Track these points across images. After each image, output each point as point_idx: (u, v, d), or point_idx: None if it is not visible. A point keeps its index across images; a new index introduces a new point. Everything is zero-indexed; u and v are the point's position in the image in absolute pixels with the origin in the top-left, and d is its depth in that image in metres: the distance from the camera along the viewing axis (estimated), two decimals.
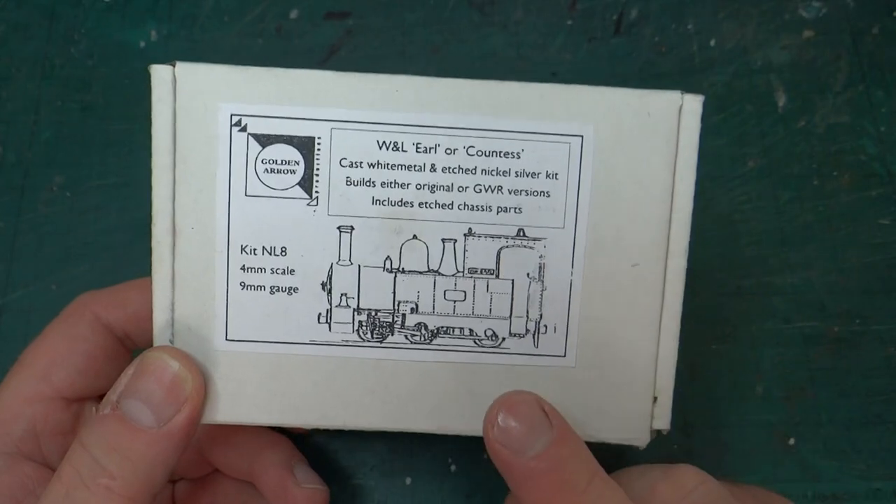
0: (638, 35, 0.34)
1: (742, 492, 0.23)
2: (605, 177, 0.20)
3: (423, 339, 0.21)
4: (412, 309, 0.21)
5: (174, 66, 0.20)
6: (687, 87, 0.33)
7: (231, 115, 0.20)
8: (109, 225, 0.32)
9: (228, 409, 0.21)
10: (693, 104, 0.20)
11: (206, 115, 0.20)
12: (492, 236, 0.21)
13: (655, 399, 0.21)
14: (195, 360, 0.20)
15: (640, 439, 0.21)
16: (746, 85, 0.33)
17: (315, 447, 0.29)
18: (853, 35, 0.34)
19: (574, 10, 0.35)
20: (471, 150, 0.20)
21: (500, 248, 0.21)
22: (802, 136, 0.33)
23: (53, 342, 0.24)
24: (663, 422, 0.21)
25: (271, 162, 0.20)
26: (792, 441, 0.29)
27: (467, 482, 0.29)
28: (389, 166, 0.20)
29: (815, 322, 0.31)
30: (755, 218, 0.32)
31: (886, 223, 0.32)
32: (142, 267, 0.32)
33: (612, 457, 0.22)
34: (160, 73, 0.20)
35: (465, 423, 0.21)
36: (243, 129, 0.20)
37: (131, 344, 0.25)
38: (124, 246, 0.32)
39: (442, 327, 0.21)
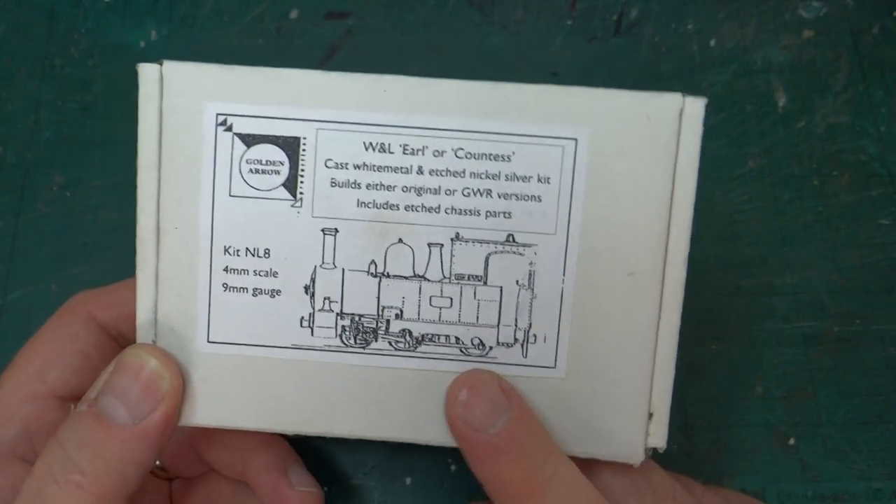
0: (638, 35, 0.34)
1: (712, 494, 0.23)
2: (601, 182, 0.20)
3: (407, 346, 0.20)
4: (397, 315, 0.20)
5: (161, 64, 0.20)
6: (687, 87, 0.33)
7: (217, 115, 0.20)
8: (109, 225, 0.32)
9: (208, 411, 0.20)
10: (695, 107, 0.19)
11: (192, 114, 0.20)
12: (480, 241, 0.20)
13: (651, 415, 0.20)
14: (174, 359, 0.20)
15: (634, 457, 0.20)
16: (746, 85, 0.33)
17: (314, 447, 0.29)
18: (853, 35, 0.34)
19: (574, 10, 0.35)
20: (459, 153, 0.20)
21: (489, 254, 0.20)
22: (802, 136, 0.33)
23: (48, 341, 0.24)
24: (659, 440, 0.20)
25: (256, 162, 0.20)
26: (792, 441, 0.29)
27: (467, 482, 0.29)
28: (376, 168, 0.20)
29: (815, 322, 0.31)
30: (755, 218, 0.32)
31: (886, 223, 0.32)
32: None
33: None
34: (147, 72, 0.20)
35: (449, 435, 0.20)
36: (228, 129, 0.20)
37: (125, 342, 0.25)
38: (124, 246, 0.32)
39: (427, 334, 0.20)
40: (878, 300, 0.31)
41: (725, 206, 0.32)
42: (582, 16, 0.35)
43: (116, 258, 0.32)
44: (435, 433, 0.20)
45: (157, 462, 0.26)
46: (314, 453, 0.29)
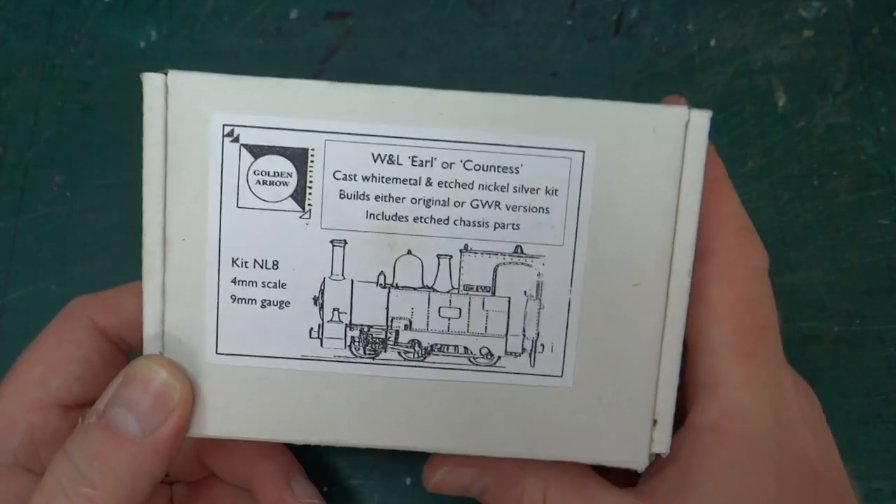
0: (638, 35, 0.34)
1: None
2: (607, 193, 0.20)
3: (416, 356, 0.20)
4: (406, 325, 0.20)
5: (166, 73, 0.19)
6: (687, 87, 0.33)
7: (223, 125, 0.19)
8: (109, 225, 0.32)
9: (217, 423, 0.20)
10: (700, 119, 0.20)
11: (198, 124, 0.19)
12: (488, 253, 0.20)
13: (655, 422, 0.20)
14: (183, 370, 0.20)
15: (638, 463, 0.21)
16: (746, 85, 0.33)
17: (314, 447, 0.29)
18: (853, 35, 0.34)
19: (574, 10, 0.35)
20: (468, 165, 0.20)
21: (497, 265, 0.20)
22: (802, 136, 0.33)
23: (49, 349, 0.24)
24: (663, 445, 0.20)
25: (264, 173, 0.20)
26: None
27: None
28: (384, 179, 0.20)
29: (815, 322, 0.31)
30: (755, 218, 0.31)
31: (886, 223, 0.32)
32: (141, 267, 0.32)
33: None
34: (152, 81, 0.19)
35: (458, 443, 0.20)
36: (235, 140, 0.20)
37: (127, 348, 0.25)
38: (124, 246, 0.32)
39: (436, 345, 0.20)
40: (878, 300, 0.31)
41: None
42: (582, 16, 0.35)
43: (116, 258, 0.32)
44: (445, 442, 0.20)
45: None
46: (314, 453, 0.29)
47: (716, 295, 0.21)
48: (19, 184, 0.33)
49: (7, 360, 0.24)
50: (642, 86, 0.33)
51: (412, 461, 0.29)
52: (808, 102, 0.33)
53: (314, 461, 0.29)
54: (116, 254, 0.32)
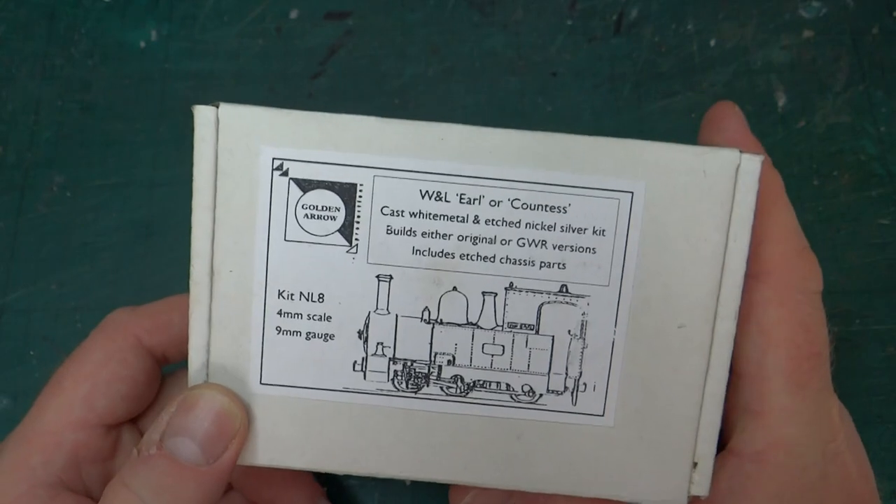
0: (638, 35, 0.34)
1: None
2: (655, 234, 0.20)
3: (458, 391, 0.20)
4: (449, 361, 0.20)
5: (217, 106, 0.20)
6: (687, 87, 0.33)
7: (273, 159, 0.20)
8: (109, 225, 0.32)
9: (263, 451, 0.20)
10: (751, 165, 0.19)
11: (248, 157, 0.20)
12: (533, 291, 0.20)
13: (696, 464, 0.20)
14: (239, 397, 0.20)
15: (677, 503, 0.21)
16: (746, 85, 0.33)
17: None
18: (853, 35, 0.34)
19: (574, 10, 0.35)
20: (515, 203, 0.20)
21: (542, 304, 0.20)
22: (802, 136, 0.33)
23: (95, 366, 0.23)
24: (702, 488, 0.20)
25: (312, 207, 0.20)
26: None
27: None
28: (431, 216, 0.20)
29: None
30: None
31: (886, 223, 0.32)
32: (141, 267, 0.32)
33: None
34: (203, 114, 0.20)
35: (499, 478, 0.20)
36: (285, 174, 0.20)
37: (165, 363, 0.25)
38: (124, 246, 0.32)
39: (478, 381, 0.20)
40: (878, 300, 0.31)
41: None
42: (582, 16, 0.35)
43: (116, 258, 0.32)
44: (485, 476, 0.21)
45: None
46: None
47: (772, 319, 0.20)
48: (19, 184, 0.33)
49: (7, 360, 0.24)
50: (642, 86, 0.33)
51: None
52: (808, 102, 0.33)
53: None
54: (116, 254, 0.32)
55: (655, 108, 0.33)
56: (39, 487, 0.22)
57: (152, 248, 0.32)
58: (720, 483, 0.20)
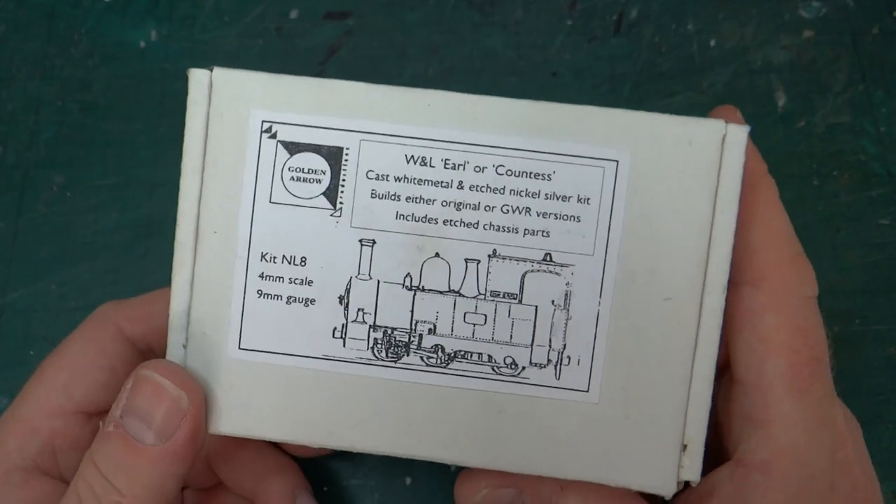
0: (638, 35, 0.34)
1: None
2: (640, 204, 0.19)
3: (439, 362, 0.20)
4: (430, 330, 0.20)
5: (211, 70, 0.20)
6: (687, 87, 0.33)
7: (262, 122, 0.20)
8: (109, 225, 0.32)
9: (235, 420, 0.20)
10: (737, 135, 0.19)
11: (238, 120, 0.20)
12: (517, 259, 0.20)
13: (685, 447, 0.20)
14: (191, 373, 0.20)
15: (665, 489, 0.20)
16: (746, 85, 0.33)
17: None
18: (853, 35, 0.34)
19: (574, 10, 0.35)
20: (500, 170, 0.20)
21: (525, 273, 0.20)
22: (802, 136, 0.33)
23: (74, 355, 0.23)
24: (693, 473, 0.20)
25: (298, 170, 0.20)
26: None
27: None
28: (416, 181, 0.20)
29: None
30: None
31: (886, 223, 0.32)
32: (141, 267, 0.32)
33: None
34: (197, 76, 0.20)
35: (478, 456, 0.20)
36: (273, 136, 0.20)
37: (152, 355, 0.25)
38: (124, 246, 0.32)
39: (459, 351, 0.20)
40: (878, 300, 0.31)
41: None
42: (582, 16, 0.35)
43: (116, 258, 0.32)
44: (465, 455, 0.20)
45: None
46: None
47: (770, 325, 0.20)
48: (19, 184, 0.33)
49: (7, 360, 0.24)
50: (642, 86, 0.33)
51: (412, 461, 0.29)
52: (808, 102, 0.33)
53: (314, 460, 0.29)
54: (116, 254, 0.32)
55: (655, 108, 0.33)
56: (14, 471, 0.22)
57: (152, 248, 0.32)
58: (729, 493, 0.20)
